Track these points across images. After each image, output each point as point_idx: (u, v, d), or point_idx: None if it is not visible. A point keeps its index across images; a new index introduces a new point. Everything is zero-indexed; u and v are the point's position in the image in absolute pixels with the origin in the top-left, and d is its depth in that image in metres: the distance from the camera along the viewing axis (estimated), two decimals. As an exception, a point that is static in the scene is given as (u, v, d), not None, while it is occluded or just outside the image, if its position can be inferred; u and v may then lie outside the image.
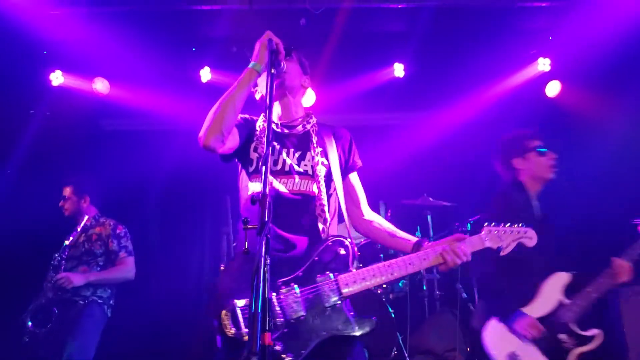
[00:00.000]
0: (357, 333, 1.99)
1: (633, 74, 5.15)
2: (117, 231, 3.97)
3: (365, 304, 4.35)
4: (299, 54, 2.42)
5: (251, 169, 2.25)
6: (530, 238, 2.28)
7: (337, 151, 2.34)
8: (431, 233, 5.16)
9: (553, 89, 5.53)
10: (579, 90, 5.49)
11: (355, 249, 2.17)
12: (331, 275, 2.03)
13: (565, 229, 5.27)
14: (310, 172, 2.23)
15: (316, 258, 2.07)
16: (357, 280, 2.03)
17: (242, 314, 1.95)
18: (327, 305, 1.99)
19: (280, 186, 2.19)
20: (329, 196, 2.24)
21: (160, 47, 5.06)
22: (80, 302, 3.69)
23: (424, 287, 5.09)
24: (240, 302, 1.96)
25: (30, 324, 3.57)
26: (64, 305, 3.64)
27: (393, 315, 4.35)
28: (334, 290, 2.01)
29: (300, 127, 2.33)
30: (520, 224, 2.30)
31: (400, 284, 4.93)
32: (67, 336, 3.56)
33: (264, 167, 1.72)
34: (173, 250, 5.80)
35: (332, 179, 2.27)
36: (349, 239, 2.14)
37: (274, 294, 1.99)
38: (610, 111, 5.24)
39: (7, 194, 5.16)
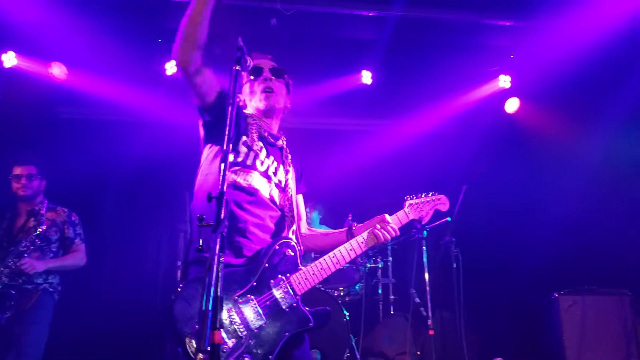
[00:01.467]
0: (315, 326, 2.11)
1: (589, 94, 5.42)
2: (73, 218, 3.97)
3: (320, 305, 4.39)
4: (288, 78, 2.52)
5: (238, 159, 2.23)
6: (444, 203, 2.49)
7: (295, 172, 2.49)
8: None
9: (512, 105, 5.75)
10: (536, 107, 5.74)
11: (301, 247, 2.32)
12: (283, 277, 2.12)
13: (509, 239, 5.56)
14: (282, 185, 2.34)
15: (266, 265, 2.12)
16: (308, 277, 2.16)
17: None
18: (285, 307, 2.08)
19: (260, 185, 2.23)
20: (295, 208, 2.38)
21: (125, 36, 4.90)
22: (33, 289, 3.63)
23: (379, 291, 5.20)
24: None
25: None
26: (17, 291, 3.56)
27: (348, 318, 4.42)
28: (288, 291, 2.10)
29: (280, 142, 2.44)
30: (434, 192, 2.49)
31: (356, 287, 5.01)
32: (21, 326, 3.51)
33: (222, 165, 1.72)
34: (128, 244, 5.65)
35: (293, 196, 2.41)
36: (294, 239, 2.24)
37: (233, 309, 2.02)
38: (566, 129, 5.50)
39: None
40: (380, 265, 5.17)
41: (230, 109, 1.85)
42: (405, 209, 2.43)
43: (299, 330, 2.08)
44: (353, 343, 4.48)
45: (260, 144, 2.30)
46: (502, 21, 5.03)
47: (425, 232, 4.92)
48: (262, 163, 2.28)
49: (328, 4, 4.79)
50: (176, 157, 5.52)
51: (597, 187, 5.19)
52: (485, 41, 5.21)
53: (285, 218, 2.30)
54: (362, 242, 2.28)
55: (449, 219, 4.67)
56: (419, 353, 4.72)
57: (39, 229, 3.73)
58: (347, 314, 4.45)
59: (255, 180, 2.22)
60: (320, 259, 2.22)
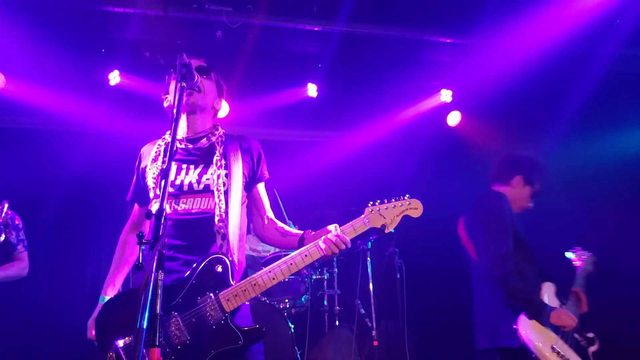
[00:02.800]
0: (245, 344, 2.03)
1: (529, 107, 5.68)
2: (16, 222, 3.67)
3: (266, 319, 4.37)
4: (218, 76, 2.44)
5: (152, 196, 2.26)
6: (416, 209, 2.21)
7: (243, 162, 2.32)
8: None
9: (454, 118, 5.96)
10: (477, 121, 5.96)
11: (235, 261, 2.18)
12: (212, 294, 2.05)
13: (452, 249, 5.67)
14: (211, 187, 2.20)
15: (194, 281, 2.07)
16: (239, 293, 2.05)
17: (126, 355, 2.00)
18: (212, 324, 2.01)
19: (179, 207, 2.20)
20: (230, 210, 2.22)
21: (67, 45, 4.79)
22: None
23: (325, 302, 5.21)
24: (120, 342, 2.03)
25: None
26: None
27: (293, 330, 4.40)
28: (216, 308, 2.03)
29: (204, 140, 2.33)
30: (407, 195, 2.24)
31: (302, 299, 5.00)
32: None
33: (163, 181, 1.73)
34: (68, 254, 5.49)
35: (234, 192, 2.25)
36: (228, 256, 2.13)
37: None
38: (505, 141, 5.71)
39: None
40: (326, 277, 5.19)
41: (173, 124, 1.84)
42: (364, 216, 2.19)
43: (226, 348, 2.01)
44: (298, 355, 4.46)
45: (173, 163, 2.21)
46: (443, 38, 5.21)
47: (369, 243, 5.00)
48: (172, 184, 2.22)
49: (273, 19, 4.85)
50: (118, 166, 5.43)
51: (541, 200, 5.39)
52: (427, 57, 5.37)
53: (212, 223, 2.16)
54: (306, 257, 2.11)
55: (392, 230, 4.77)
56: (364, 364, 4.75)
57: None
58: (292, 326, 4.43)
59: (173, 204, 2.21)
60: (256, 275, 2.10)
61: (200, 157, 2.29)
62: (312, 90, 5.52)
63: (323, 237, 2.12)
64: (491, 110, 5.74)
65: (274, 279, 2.08)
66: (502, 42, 5.04)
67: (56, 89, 5.10)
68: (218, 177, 2.22)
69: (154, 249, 1.59)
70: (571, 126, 5.48)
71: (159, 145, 2.38)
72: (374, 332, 4.61)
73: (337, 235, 2.10)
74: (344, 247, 2.10)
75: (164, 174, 1.76)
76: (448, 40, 5.23)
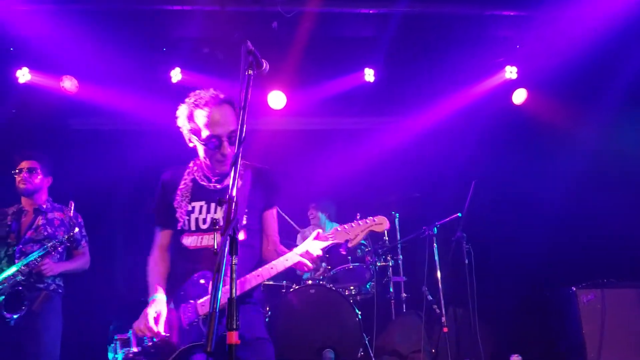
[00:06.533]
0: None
1: (598, 82, 5.31)
2: (79, 220, 3.90)
3: (332, 305, 4.39)
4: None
5: (179, 227, 2.41)
6: (380, 224, 2.45)
7: (257, 192, 2.47)
8: (398, 236, 5.22)
9: (519, 96, 5.65)
10: (545, 98, 5.63)
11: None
12: (191, 300, 2.28)
13: (522, 233, 5.46)
14: (222, 224, 2.36)
15: (182, 292, 2.32)
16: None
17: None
18: (186, 325, 2.26)
19: (207, 242, 2.35)
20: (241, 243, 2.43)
21: (130, 47, 5.01)
22: (44, 289, 3.59)
23: (391, 289, 5.16)
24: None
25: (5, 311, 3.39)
26: (29, 291, 3.50)
27: (360, 317, 4.40)
28: (193, 312, 2.26)
29: (216, 185, 2.47)
30: (372, 217, 2.46)
31: (367, 286, 4.99)
32: (34, 332, 3.47)
33: (233, 167, 1.79)
34: (140, 250, 5.73)
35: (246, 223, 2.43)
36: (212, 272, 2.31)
37: None
38: (575, 119, 5.39)
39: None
40: (390, 264, 5.13)
41: (242, 112, 1.88)
42: (329, 233, 2.43)
43: (192, 345, 2.19)
44: (366, 341, 4.45)
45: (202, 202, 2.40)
46: (505, 11, 4.97)
47: (435, 229, 4.87)
48: (204, 221, 2.38)
49: (328, 4, 4.80)
50: (183, 161, 5.61)
51: (612, 177, 5.07)
52: (489, 32, 5.14)
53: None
54: (275, 268, 2.30)
55: (459, 214, 4.62)
56: (433, 351, 4.66)
57: (50, 229, 3.70)
58: (359, 312, 4.43)
59: (188, 240, 2.38)
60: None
61: (216, 195, 2.43)
62: (369, 75, 5.43)
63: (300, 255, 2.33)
64: (560, 86, 5.42)
65: (240, 285, 2.25)
66: (568, 12, 4.75)
67: (123, 90, 5.33)
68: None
69: (224, 235, 1.63)
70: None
71: (185, 180, 2.48)
72: (443, 319, 4.50)
73: (305, 256, 2.32)
74: (312, 265, 2.33)
75: (234, 161, 1.81)
76: (511, 14, 4.99)
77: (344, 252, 4.69)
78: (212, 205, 2.40)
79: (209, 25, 4.92)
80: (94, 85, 5.37)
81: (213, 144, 2.31)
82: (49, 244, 3.56)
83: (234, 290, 1.61)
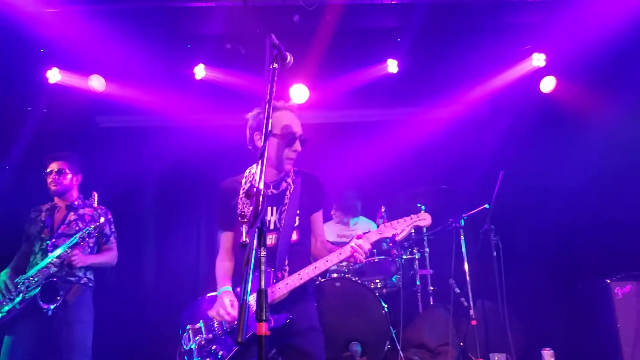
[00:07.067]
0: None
1: (629, 69, 5.12)
2: (109, 216, 4.00)
3: (358, 298, 4.38)
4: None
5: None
6: (424, 219, 2.64)
7: (306, 196, 2.72)
8: (424, 228, 5.16)
9: (548, 84, 5.49)
10: (574, 85, 5.46)
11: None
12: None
13: (552, 224, 5.32)
14: (278, 225, 2.62)
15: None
16: (275, 290, 2.52)
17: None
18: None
19: (269, 242, 2.54)
20: (292, 243, 2.62)
21: (155, 44, 5.07)
22: (75, 282, 3.68)
23: (417, 282, 5.11)
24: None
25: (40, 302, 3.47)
26: (62, 283, 3.58)
27: (386, 310, 4.37)
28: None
29: (284, 184, 2.71)
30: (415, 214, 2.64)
31: (393, 279, 4.95)
32: (67, 325, 3.55)
33: (260, 161, 1.80)
34: (168, 245, 5.85)
35: (298, 224, 2.67)
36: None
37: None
38: (606, 107, 5.21)
39: (4, 190, 5.21)
40: (417, 256, 5.09)
41: (267, 106, 1.93)
42: (379, 228, 2.64)
43: (252, 333, 2.33)
44: (393, 335, 4.43)
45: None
46: (532, -3, 4.83)
47: (462, 221, 4.80)
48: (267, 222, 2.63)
49: (349, -4, 4.76)
50: (209, 156, 5.68)
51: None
52: (516, 19, 5.00)
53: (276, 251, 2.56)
54: (327, 262, 2.53)
55: (487, 205, 4.54)
56: (462, 344, 4.60)
57: (81, 224, 3.79)
58: (386, 305, 4.41)
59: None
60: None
61: (277, 199, 2.67)
62: (392, 66, 5.36)
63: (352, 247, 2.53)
64: (590, 74, 5.24)
65: (301, 278, 2.50)
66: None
67: (148, 87, 5.42)
68: (285, 212, 2.65)
69: (252, 226, 1.64)
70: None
71: (244, 188, 2.70)
72: (471, 312, 4.44)
73: (358, 247, 2.53)
74: (362, 253, 2.52)
75: (261, 154, 1.82)
76: (537, -1, 4.84)
77: (391, 245, 4.75)
78: (270, 209, 2.64)
79: (232, 20, 4.94)
80: (121, 83, 5.46)
81: (290, 140, 2.60)
82: (78, 234, 3.66)
83: (262, 282, 1.62)
